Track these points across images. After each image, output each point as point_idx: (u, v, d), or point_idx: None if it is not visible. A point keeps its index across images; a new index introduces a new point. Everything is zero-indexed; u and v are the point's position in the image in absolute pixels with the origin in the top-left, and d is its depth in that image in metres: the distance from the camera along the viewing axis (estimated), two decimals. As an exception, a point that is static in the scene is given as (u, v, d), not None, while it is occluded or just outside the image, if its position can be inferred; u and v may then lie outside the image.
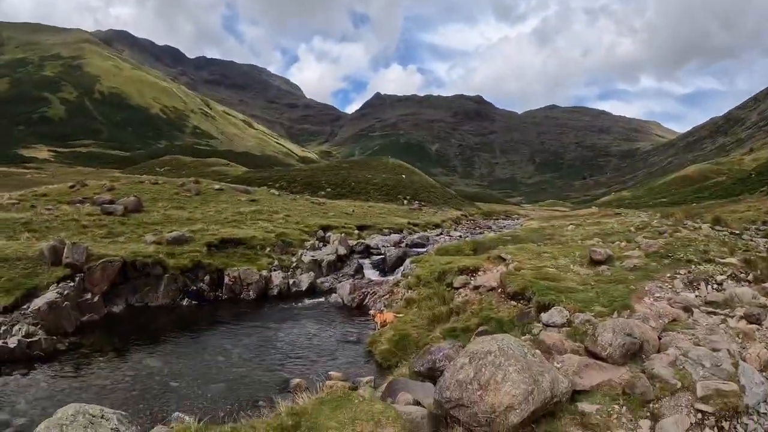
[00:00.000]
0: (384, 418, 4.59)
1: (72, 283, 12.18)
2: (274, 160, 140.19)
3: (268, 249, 18.23)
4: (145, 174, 52.48)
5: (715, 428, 4.68)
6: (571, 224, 23.75)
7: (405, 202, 56.79)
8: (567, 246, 15.37)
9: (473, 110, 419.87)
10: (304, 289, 16.08)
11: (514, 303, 10.11)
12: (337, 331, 11.90)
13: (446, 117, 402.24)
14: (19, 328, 10.14)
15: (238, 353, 10.14)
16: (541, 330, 7.61)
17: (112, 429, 3.96)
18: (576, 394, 5.19)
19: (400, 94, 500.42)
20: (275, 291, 15.67)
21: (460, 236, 31.27)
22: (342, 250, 20.12)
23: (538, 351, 5.45)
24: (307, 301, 15.11)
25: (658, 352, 6.11)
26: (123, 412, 4.47)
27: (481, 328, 8.79)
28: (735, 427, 4.70)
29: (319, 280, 17.00)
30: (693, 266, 10.93)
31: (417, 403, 5.51)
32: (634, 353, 5.89)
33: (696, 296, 9.07)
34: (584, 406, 4.98)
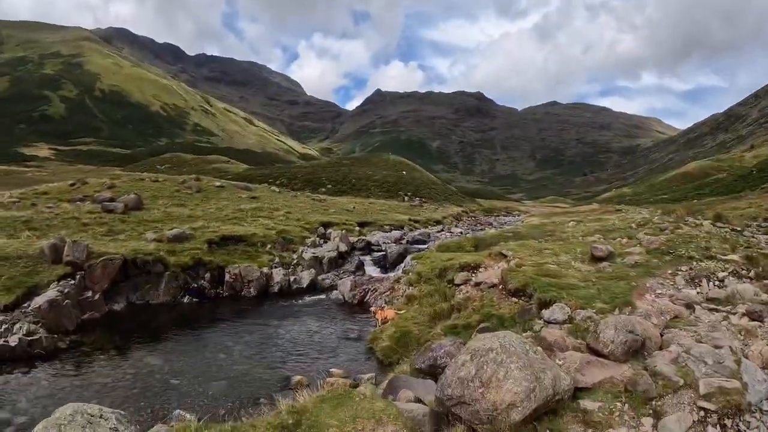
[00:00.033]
0: (385, 416, 4.57)
1: (73, 281, 12.17)
2: (275, 157, 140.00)
3: (269, 246, 18.23)
4: (145, 171, 52.43)
5: (718, 426, 4.64)
6: (572, 221, 23.74)
7: (406, 198, 56.75)
8: (568, 243, 15.34)
9: (474, 107, 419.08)
10: (305, 286, 16.08)
11: (515, 300, 10.09)
12: (338, 328, 11.90)
13: (447, 113, 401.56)
14: (20, 327, 10.15)
15: (239, 351, 10.14)
16: (542, 327, 7.60)
17: (110, 428, 3.94)
18: (578, 392, 5.17)
19: (401, 90, 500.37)
20: (276, 288, 15.67)
21: (461, 233, 31.15)
22: (343, 247, 20.11)
23: (539, 348, 5.42)
24: (308, 298, 15.10)
25: (660, 349, 6.08)
26: (122, 412, 4.46)
27: (482, 325, 8.77)
28: (737, 425, 4.66)
29: (320, 277, 16.99)
30: (694, 263, 10.88)
31: (418, 400, 5.49)
32: (636, 350, 5.85)
33: (698, 293, 9.01)
34: (586, 403, 4.96)
